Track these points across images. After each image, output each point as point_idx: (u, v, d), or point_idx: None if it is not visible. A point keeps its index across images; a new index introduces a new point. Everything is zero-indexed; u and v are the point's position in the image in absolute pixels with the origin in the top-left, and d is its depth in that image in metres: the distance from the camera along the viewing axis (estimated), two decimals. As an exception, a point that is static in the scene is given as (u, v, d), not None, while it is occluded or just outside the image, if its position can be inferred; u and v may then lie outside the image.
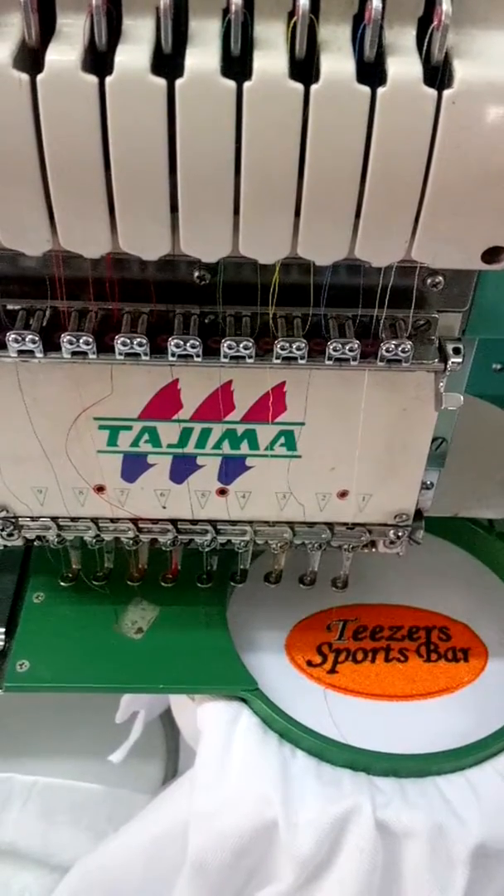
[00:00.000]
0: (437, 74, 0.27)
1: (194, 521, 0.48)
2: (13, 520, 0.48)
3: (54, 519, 0.48)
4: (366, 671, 0.56)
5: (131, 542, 0.50)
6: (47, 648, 0.54)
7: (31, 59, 0.27)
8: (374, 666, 0.56)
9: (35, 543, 0.50)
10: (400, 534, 0.49)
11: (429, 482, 0.48)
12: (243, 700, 0.52)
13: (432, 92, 0.27)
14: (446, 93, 0.27)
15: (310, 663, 0.56)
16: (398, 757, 0.50)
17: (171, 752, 0.77)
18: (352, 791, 0.48)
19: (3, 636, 0.55)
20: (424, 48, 0.27)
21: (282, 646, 0.57)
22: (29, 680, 0.52)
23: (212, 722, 0.51)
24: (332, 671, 0.56)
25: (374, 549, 0.51)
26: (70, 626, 0.55)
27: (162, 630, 0.55)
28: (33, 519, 0.48)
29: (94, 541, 0.50)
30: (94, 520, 0.48)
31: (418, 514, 0.49)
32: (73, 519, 0.48)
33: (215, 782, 0.48)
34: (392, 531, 0.49)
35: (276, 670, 0.55)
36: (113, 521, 0.48)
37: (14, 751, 0.73)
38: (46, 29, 0.27)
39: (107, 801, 0.71)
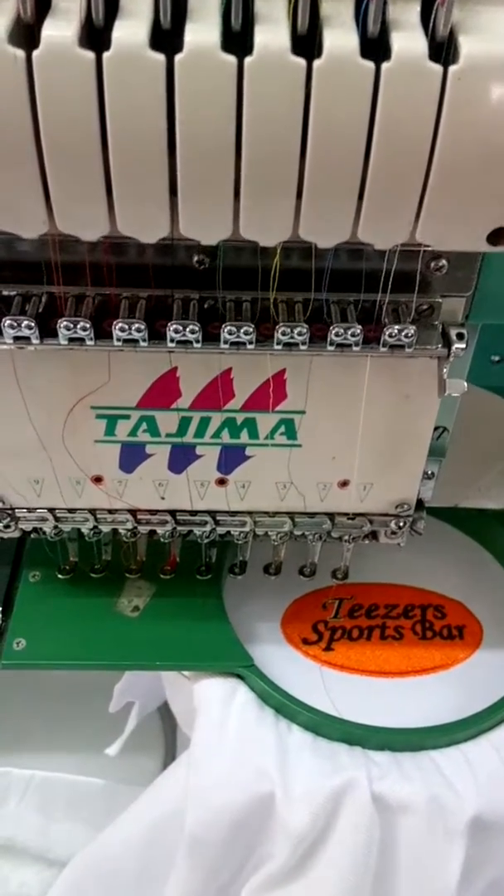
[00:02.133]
0: (442, 50, 0.27)
1: (193, 512, 0.48)
2: (9, 511, 0.47)
3: (51, 510, 0.47)
4: (361, 648, 0.56)
5: (129, 533, 0.49)
6: (44, 627, 0.54)
7: (26, 34, 0.27)
8: (370, 643, 0.56)
9: (32, 536, 0.50)
10: (401, 524, 0.48)
11: (430, 472, 0.48)
12: (239, 677, 0.52)
13: (438, 68, 0.27)
14: (452, 69, 0.27)
15: (305, 641, 0.56)
16: (394, 731, 0.50)
17: (168, 746, 0.77)
18: (348, 764, 0.48)
19: (-1, 615, 0.55)
20: (430, 24, 0.27)
21: (277, 624, 0.57)
22: (25, 657, 0.53)
23: (208, 698, 0.51)
24: (328, 649, 0.56)
25: (375, 540, 0.50)
26: (66, 605, 0.55)
27: (158, 608, 0.55)
28: (30, 510, 0.47)
29: (92, 532, 0.49)
30: (92, 511, 0.48)
31: (419, 503, 0.49)
32: (71, 510, 0.47)
33: (212, 757, 0.49)
34: (393, 521, 0.48)
35: (271, 648, 0.55)
36: (111, 512, 0.48)
37: (11, 745, 0.72)
38: (42, 4, 0.27)
39: (105, 795, 0.70)
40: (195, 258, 0.36)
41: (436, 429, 0.46)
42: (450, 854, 0.47)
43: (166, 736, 0.77)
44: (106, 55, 0.26)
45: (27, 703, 0.74)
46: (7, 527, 0.48)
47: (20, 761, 0.72)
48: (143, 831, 0.54)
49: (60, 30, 0.26)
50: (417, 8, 0.28)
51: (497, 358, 0.80)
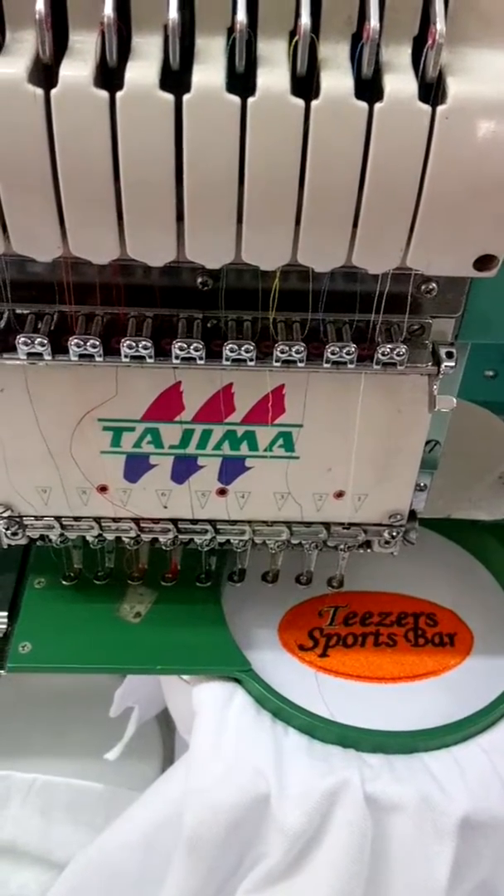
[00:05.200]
0: (432, 91, 0.29)
1: (194, 521, 0.49)
2: (17, 519, 0.49)
3: (58, 518, 0.49)
4: (356, 655, 0.57)
5: (132, 541, 0.51)
6: (49, 631, 0.56)
7: (45, 74, 0.28)
8: (364, 650, 0.58)
9: (38, 543, 0.51)
10: (394, 534, 0.50)
11: (422, 484, 0.50)
12: (237, 681, 0.54)
13: (427, 108, 0.28)
14: (440, 108, 0.28)
15: (302, 647, 0.58)
16: (386, 734, 0.52)
17: (167, 752, 0.78)
18: (341, 766, 0.50)
19: (5, 619, 0.56)
20: (420, 66, 0.29)
21: (275, 630, 0.59)
22: (31, 661, 0.54)
23: (207, 701, 0.52)
24: (324, 655, 0.57)
25: (369, 550, 0.52)
26: (71, 610, 0.57)
27: (159, 614, 0.57)
28: (37, 518, 0.49)
29: (96, 540, 0.51)
30: (97, 519, 0.49)
31: (412, 514, 0.50)
32: (77, 518, 0.49)
33: (210, 759, 0.50)
34: (387, 531, 0.50)
35: (269, 653, 0.57)
36: (115, 520, 0.49)
37: (13, 748, 0.74)
38: (60, 45, 0.28)
39: (105, 799, 0.72)
40: (199, 280, 0.38)
41: (428, 442, 0.48)
42: (440, 853, 0.48)
43: (165, 742, 0.78)
44: (119, 94, 0.28)
45: (30, 709, 0.75)
46: (15, 534, 0.50)
47: (22, 765, 0.73)
48: (142, 832, 0.55)
49: (77, 70, 0.28)
50: (409, 51, 0.30)
51: (491, 373, 0.82)
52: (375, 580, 0.62)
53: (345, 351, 0.38)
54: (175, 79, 0.29)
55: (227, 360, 0.38)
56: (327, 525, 0.50)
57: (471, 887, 0.52)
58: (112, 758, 0.64)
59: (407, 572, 0.62)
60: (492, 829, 0.49)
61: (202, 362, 0.38)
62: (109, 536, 0.50)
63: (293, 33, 0.29)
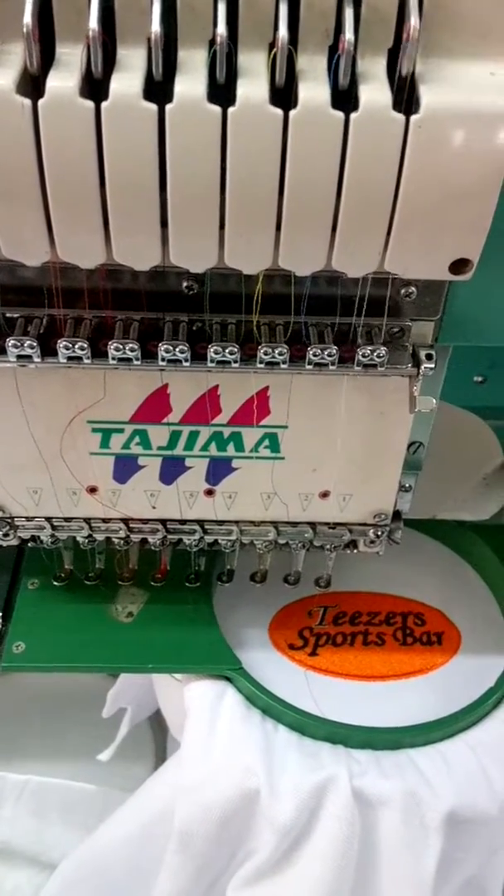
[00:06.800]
0: (405, 101, 0.30)
1: (183, 521, 0.50)
2: (9, 520, 0.50)
3: (48, 519, 0.50)
4: (345, 654, 0.58)
5: (122, 541, 0.52)
6: (42, 631, 0.56)
7: (32, 85, 0.29)
8: (353, 649, 0.59)
9: (29, 544, 0.52)
10: (379, 533, 0.51)
11: (407, 485, 0.50)
12: (228, 679, 0.54)
13: (400, 117, 0.29)
14: (413, 118, 0.29)
15: (292, 646, 0.58)
16: (374, 730, 0.53)
17: (159, 754, 0.79)
18: (330, 762, 0.50)
19: (-1, 620, 0.57)
20: (396, 76, 0.30)
21: (265, 630, 0.59)
22: (25, 660, 0.55)
23: (198, 699, 0.53)
24: (313, 654, 0.58)
25: (355, 550, 0.53)
26: (64, 611, 0.58)
27: (151, 614, 0.58)
28: (28, 519, 0.50)
29: (87, 541, 0.52)
30: (87, 520, 0.50)
31: (397, 514, 0.51)
32: (67, 519, 0.50)
33: (201, 756, 0.51)
34: (372, 531, 0.51)
35: (259, 653, 0.57)
36: (105, 521, 0.50)
37: (6, 750, 0.74)
38: (47, 57, 0.29)
39: (98, 800, 0.72)
40: (184, 284, 0.39)
41: (412, 444, 0.48)
42: (426, 847, 0.49)
43: (157, 744, 0.79)
44: (104, 104, 0.29)
45: (23, 710, 0.76)
46: (6, 535, 0.50)
47: (16, 766, 0.73)
48: (133, 829, 0.56)
49: (63, 81, 0.29)
50: (383, 62, 0.31)
51: (480, 378, 0.84)
52: (364, 580, 0.63)
53: (326, 353, 0.39)
54: (158, 89, 0.29)
55: (212, 362, 0.39)
56: (313, 525, 0.51)
57: (459, 882, 0.53)
58: (105, 759, 0.65)
59: (395, 572, 0.63)
60: (478, 824, 0.50)
61: (188, 364, 0.39)
62: (99, 537, 0.51)
63: (272, 45, 0.30)
